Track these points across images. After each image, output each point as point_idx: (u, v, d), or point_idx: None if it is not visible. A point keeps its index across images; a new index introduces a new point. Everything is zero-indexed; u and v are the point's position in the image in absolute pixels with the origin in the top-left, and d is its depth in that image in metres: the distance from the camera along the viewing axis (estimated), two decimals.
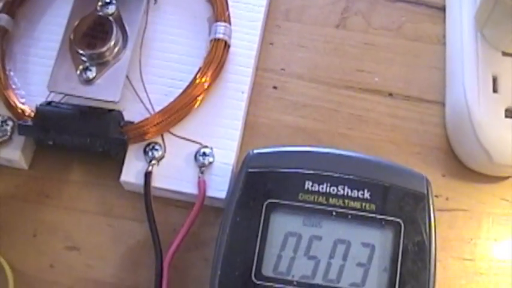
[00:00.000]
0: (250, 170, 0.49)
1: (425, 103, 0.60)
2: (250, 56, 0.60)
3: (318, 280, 0.47)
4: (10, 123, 0.57)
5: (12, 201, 0.58)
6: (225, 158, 0.56)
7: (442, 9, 0.64)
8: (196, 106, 0.57)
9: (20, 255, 0.56)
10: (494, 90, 0.56)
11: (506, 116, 0.56)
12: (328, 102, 0.60)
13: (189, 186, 0.55)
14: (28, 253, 0.57)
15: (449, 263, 0.56)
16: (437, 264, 0.48)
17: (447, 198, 0.57)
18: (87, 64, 0.57)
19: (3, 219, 0.58)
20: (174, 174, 0.55)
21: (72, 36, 0.57)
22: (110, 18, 0.57)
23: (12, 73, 0.60)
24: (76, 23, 0.57)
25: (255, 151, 0.50)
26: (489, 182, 0.58)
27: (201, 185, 0.54)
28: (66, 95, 0.57)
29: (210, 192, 0.54)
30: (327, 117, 0.60)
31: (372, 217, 0.48)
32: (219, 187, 0.55)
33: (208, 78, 0.57)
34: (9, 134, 0.57)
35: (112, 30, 0.56)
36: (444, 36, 0.63)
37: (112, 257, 0.56)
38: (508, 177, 0.58)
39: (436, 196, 0.56)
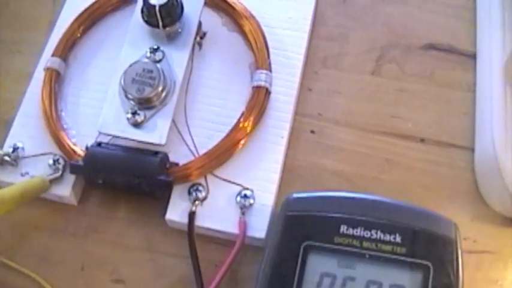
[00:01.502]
0: (289, 213, 0.52)
1: (455, 148, 0.62)
2: (290, 102, 0.62)
3: None
4: (62, 161, 0.61)
5: (62, 234, 0.61)
6: (265, 199, 0.58)
7: (473, 56, 0.66)
8: (238, 149, 0.60)
9: (68, 287, 0.59)
10: None
11: None
12: (362, 146, 0.63)
13: (230, 226, 0.57)
14: (76, 285, 0.59)
15: None
16: None
17: (475, 241, 0.59)
18: (136, 108, 0.59)
19: (54, 251, 0.61)
20: (216, 214, 0.58)
21: (122, 82, 0.59)
22: (158, 65, 0.60)
23: (63, 113, 0.63)
24: (126, 68, 0.60)
25: (294, 195, 0.53)
26: None
27: (242, 225, 0.57)
28: (116, 136, 0.60)
29: (250, 232, 0.57)
30: (361, 161, 0.62)
31: (402, 260, 0.50)
32: (258, 227, 0.57)
33: (250, 123, 0.60)
34: (60, 172, 0.60)
35: (160, 77, 0.59)
36: (474, 84, 0.65)
37: None
38: None
39: (464, 238, 0.57)
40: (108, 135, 0.60)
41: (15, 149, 0.62)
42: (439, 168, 0.62)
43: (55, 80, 0.64)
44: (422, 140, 0.63)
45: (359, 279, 0.50)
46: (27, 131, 0.63)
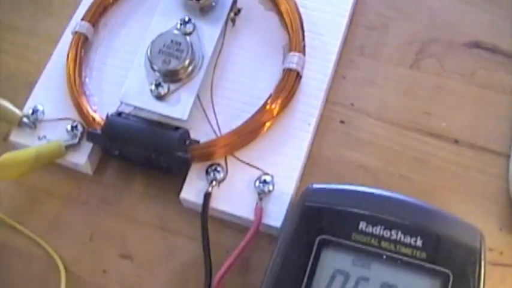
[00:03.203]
0: (307, 203, 0.50)
1: (490, 153, 0.60)
2: (321, 89, 0.60)
3: None
4: (80, 128, 0.60)
5: (74, 203, 0.60)
6: (285, 187, 0.56)
7: None
8: (262, 132, 0.58)
9: (75, 257, 0.58)
10: None
11: None
12: (393, 142, 0.60)
13: (246, 211, 0.56)
14: (83, 256, 0.58)
15: None
16: None
17: (501, 253, 0.56)
18: (160, 80, 0.58)
19: (64, 219, 0.60)
20: (232, 197, 0.56)
21: (148, 52, 0.58)
22: (187, 37, 0.58)
23: (87, 80, 0.62)
24: (153, 38, 0.58)
25: (315, 186, 0.51)
26: None
27: (258, 212, 0.55)
28: (137, 108, 0.59)
29: (266, 220, 0.55)
30: (390, 157, 0.60)
31: (421, 265, 0.48)
32: (275, 215, 0.55)
33: (277, 106, 0.58)
34: (78, 139, 0.59)
35: (188, 50, 0.58)
36: None
37: (163, 271, 0.57)
38: None
39: (490, 249, 0.55)
40: (130, 105, 0.59)
41: (34, 111, 0.61)
42: (471, 172, 0.59)
43: (82, 45, 0.63)
44: (456, 141, 0.60)
45: (373, 281, 0.48)
46: (49, 94, 0.62)
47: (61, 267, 0.57)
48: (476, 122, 0.61)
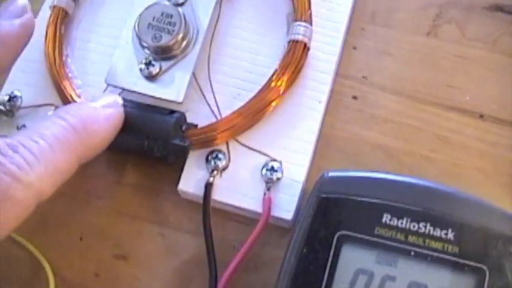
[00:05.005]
0: (323, 195, 0.44)
1: None
2: (331, 62, 0.54)
3: None
4: None
5: (60, 198, 0.54)
6: (295, 174, 0.51)
7: None
8: (268, 113, 0.52)
9: (63, 259, 0.53)
10: None
11: None
12: (412, 118, 0.55)
13: (252, 203, 0.50)
14: (72, 258, 0.53)
15: None
16: None
17: None
18: (151, 58, 0.52)
19: (50, 216, 0.54)
20: (237, 187, 0.51)
21: (136, 27, 0.52)
22: (179, 8, 0.53)
23: (69, 60, 0.56)
24: (142, 11, 0.53)
25: (330, 174, 0.45)
26: None
27: (267, 203, 0.49)
28: (125, 90, 0.53)
29: (276, 212, 0.50)
30: (410, 135, 0.54)
31: (453, 261, 0.43)
32: (285, 207, 0.50)
33: (284, 83, 0.52)
34: None
35: (180, 23, 0.52)
36: None
37: (162, 271, 0.52)
38: None
39: None
40: (117, 87, 0.53)
41: (11, 97, 0.55)
42: (500, 150, 0.54)
43: (62, 21, 0.56)
44: (481, 116, 0.55)
45: (400, 280, 0.43)
46: (26, 78, 0.56)
47: (49, 272, 0.52)
48: (503, 94, 0.55)
